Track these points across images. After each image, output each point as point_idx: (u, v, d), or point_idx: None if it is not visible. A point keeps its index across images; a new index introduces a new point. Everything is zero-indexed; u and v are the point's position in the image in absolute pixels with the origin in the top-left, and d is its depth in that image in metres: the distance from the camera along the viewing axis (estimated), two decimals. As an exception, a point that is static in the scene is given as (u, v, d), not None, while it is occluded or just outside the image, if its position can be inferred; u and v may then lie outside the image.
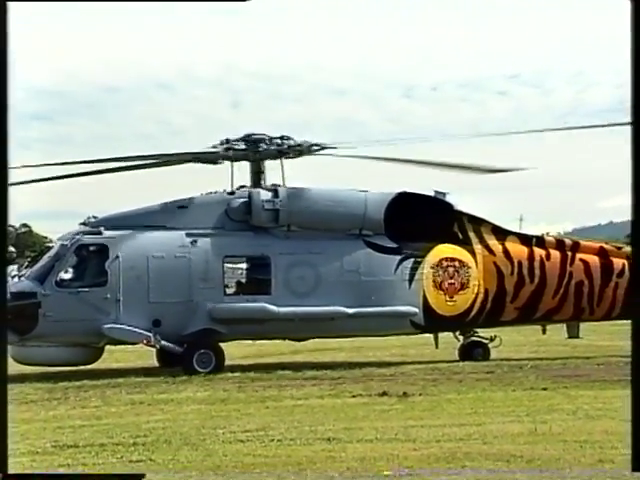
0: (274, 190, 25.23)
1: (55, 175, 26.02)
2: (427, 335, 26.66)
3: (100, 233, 24.14)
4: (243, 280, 25.41)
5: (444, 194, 26.22)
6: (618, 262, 26.83)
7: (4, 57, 6.59)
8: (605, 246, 27.89)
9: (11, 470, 7.19)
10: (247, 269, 25.36)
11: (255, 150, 25.77)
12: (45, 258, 24.60)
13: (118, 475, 7.59)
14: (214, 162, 26.01)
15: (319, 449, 12.62)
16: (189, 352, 23.91)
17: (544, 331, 28.09)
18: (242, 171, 25.93)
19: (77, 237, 24.29)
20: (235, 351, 25.71)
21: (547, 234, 28.85)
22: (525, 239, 26.86)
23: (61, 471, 7.33)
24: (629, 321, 25.73)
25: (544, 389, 19.10)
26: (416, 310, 25.31)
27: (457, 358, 25.87)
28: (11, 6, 6.63)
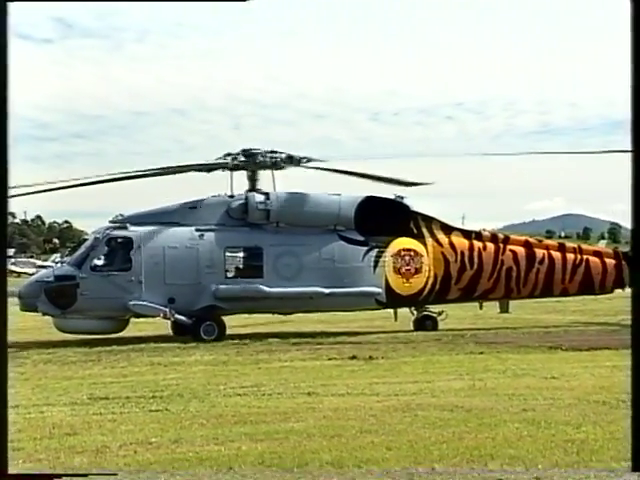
0: (266, 194, 25.23)
1: (92, 180, 25.94)
2: (388, 310, 26.68)
3: (126, 228, 24.09)
4: (241, 266, 25.34)
5: (402, 197, 26.27)
6: (539, 252, 26.94)
7: (4, 57, 5.81)
8: (529, 239, 28.01)
9: (12, 469, 7.02)
10: (244, 257, 25.29)
11: (251, 162, 25.76)
12: (82, 248, 24.53)
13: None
14: (218, 171, 25.98)
15: (301, 401, 12.62)
16: (197, 324, 23.90)
17: (481, 307, 28.17)
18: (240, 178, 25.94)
19: (107, 231, 24.26)
20: (234, 323, 25.67)
21: (484, 230, 28.84)
22: (466, 234, 26.90)
23: (62, 471, 7.22)
24: (548, 298, 25.75)
25: (481, 353, 19.12)
26: (380, 290, 25.33)
27: (412, 329, 25.88)
28: (12, 7, 5.85)
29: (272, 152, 25.86)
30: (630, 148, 5.92)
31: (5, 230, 5.90)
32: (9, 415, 11.60)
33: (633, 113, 5.91)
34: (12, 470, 8.37)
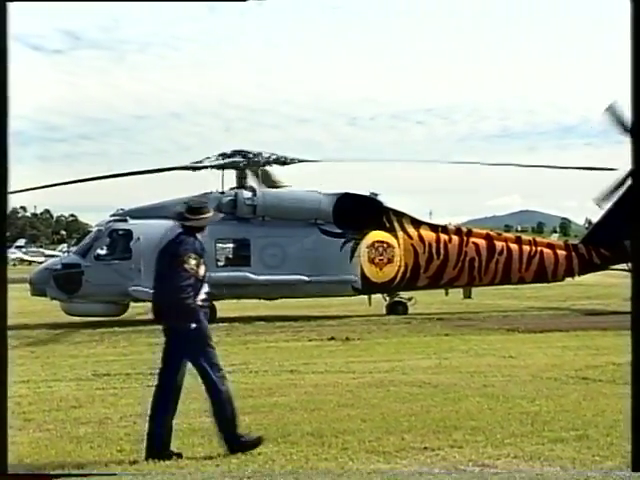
0: (253, 190, 25.21)
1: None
2: (363, 296, 26.69)
3: (126, 221, 24.03)
4: (230, 256, 25.29)
5: (376, 194, 26.32)
6: (499, 244, 27.03)
7: (4, 57, 5.45)
8: (490, 233, 28.11)
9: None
10: (233, 248, 25.24)
11: (239, 161, 25.71)
12: (86, 239, 24.49)
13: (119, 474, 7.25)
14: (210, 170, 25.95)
15: (285, 378, 12.62)
16: (191, 308, 23.82)
17: (447, 293, 28.20)
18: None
19: (109, 224, 24.19)
20: (224, 307, 25.60)
21: (449, 224, 28.91)
22: (434, 227, 26.96)
23: (62, 471, 7.14)
24: (507, 286, 25.67)
25: (446, 335, 19.15)
26: (356, 278, 25.38)
27: (384, 313, 25.93)
28: (12, 7, 5.53)
29: (258, 153, 25.84)
30: (633, 151, 5.67)
31: (4, 232, 5.62)
32: (21, 389, 11.56)
33: (633, 113, 5.65)
34: (23, 435, 8.36)
